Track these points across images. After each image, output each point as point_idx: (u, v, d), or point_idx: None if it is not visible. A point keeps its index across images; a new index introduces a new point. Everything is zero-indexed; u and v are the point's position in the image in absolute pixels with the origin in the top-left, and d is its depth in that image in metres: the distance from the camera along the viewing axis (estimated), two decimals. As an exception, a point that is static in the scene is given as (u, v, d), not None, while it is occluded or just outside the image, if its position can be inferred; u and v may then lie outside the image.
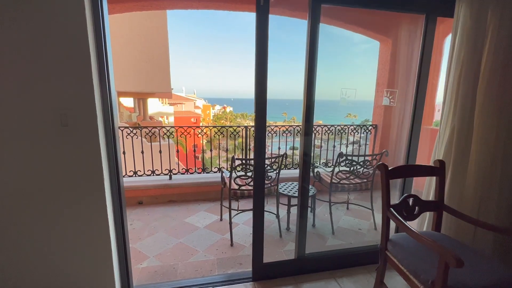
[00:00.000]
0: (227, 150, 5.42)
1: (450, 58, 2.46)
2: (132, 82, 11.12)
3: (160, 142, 5.40)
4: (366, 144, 5.76)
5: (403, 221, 2.09)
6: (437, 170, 2.39)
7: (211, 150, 5.43)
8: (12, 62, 1.98)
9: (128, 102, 19.65)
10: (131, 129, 5.21)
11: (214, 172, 5.26)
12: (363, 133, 5.76)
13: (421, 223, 2.80)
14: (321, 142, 5.59)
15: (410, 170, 2.37)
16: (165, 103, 26.97)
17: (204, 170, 5.22)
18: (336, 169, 3.92)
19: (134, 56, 11.33)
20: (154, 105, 23.27)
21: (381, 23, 4.96)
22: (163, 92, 12.65)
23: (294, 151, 5.30)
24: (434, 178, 2.65)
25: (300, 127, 5.54)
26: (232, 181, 3.75)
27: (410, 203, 2.40)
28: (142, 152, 5.09)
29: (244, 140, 5.21)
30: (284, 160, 4.90)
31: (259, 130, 2.47)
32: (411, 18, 4.29)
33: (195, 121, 37.45)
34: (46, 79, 2.03)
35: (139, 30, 11.35)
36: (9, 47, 1.96)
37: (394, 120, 4.55)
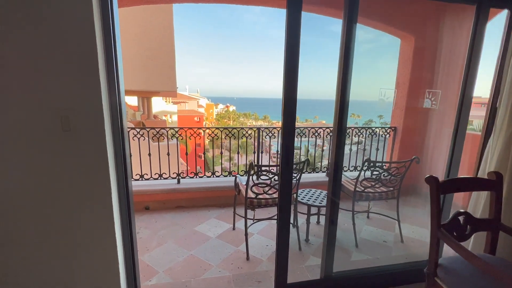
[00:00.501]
0: (238, 152, 5.13)
1: (509, 55, 2.14)
2: (137, 81, 10.82)
3: (168, 143, 5.11)
4: (372, 147, 5.41)
5: (460, 244, 1.79)
6: (494, 183, 2.08)
7: (221, 152, 5.14)
8: (11, 61, 1.69)
9: (132, 100, 19.37)
10: (138, 130, 4.93)
11: (224, 176, 4.96)
12: (381, 136, 5.43)
13: (466, 243, 2.48)
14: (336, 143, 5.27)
15: (464, 184, 2.06)
16: (169, 101, 26.67)
17: (213, 173, 4.92)
18: (358, 176, 3.60)
19: (139, 53, 11.04)
20: (158, 104, 22.95)
21: (405, 18, 4.64)
22: (168, 91, 12.33)
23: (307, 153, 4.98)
24: (483, 193, 2.34)
25: (322, 128, 5.23)
26: (250, 189, 3.45)
27: (461, 221, 2.09)
28: (149, 154, 4.81)
29: (256, 142, 4.92)
30: (306, 167, 4.61)
31: (287, 136, 2.17)
32: (442, 11, 3.97)
33: (198, 120, 37.13)
34: (48, 78, 1.74)
35: (145, 26, 11.06)
36: (9, 44, 1.67)
37: (423, 123, 4.23)
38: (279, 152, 5.14)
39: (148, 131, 5.02)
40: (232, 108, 77.35)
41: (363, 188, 3.59)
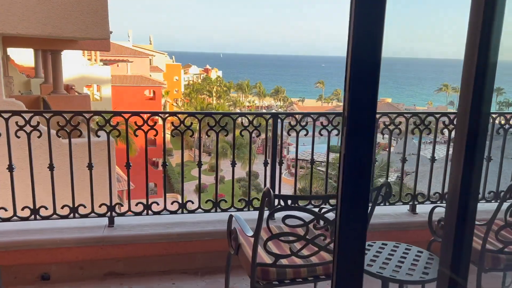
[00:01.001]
0: (233, 161, 3.07)
1: None
2: (32, 18, 6.96)
3: (89, 142, 2.90)
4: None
5: None
6: None
7: (199, 161, 3.03)
8: None
9: (24, 56, 13.16)
10: (27, 118, 2.74)
11: (206, 210, 2.86)
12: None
13: None
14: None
15: None
16: (96, 60, 20.51)
17: (182, 204, 2.81)
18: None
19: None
20: (74, 64, 14.50)
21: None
22: (93, 39, 8.22)
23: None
24: None
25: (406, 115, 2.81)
26: (261, 246, 1.97)
27: None
28: (52, 167, 2.76)
29: (271, 143, 2.98)
30: (381, 198, 2.73)
31: (357, 131, 0.87)
32: None
33: (152, 95, 26.32)
34: None
35: None
36: None
37: None
38: (315, 160, 3.13)
39: (48, 119, 2.87)
40: (216, 73, 53.03)
41: (501, 246, 2.11)
